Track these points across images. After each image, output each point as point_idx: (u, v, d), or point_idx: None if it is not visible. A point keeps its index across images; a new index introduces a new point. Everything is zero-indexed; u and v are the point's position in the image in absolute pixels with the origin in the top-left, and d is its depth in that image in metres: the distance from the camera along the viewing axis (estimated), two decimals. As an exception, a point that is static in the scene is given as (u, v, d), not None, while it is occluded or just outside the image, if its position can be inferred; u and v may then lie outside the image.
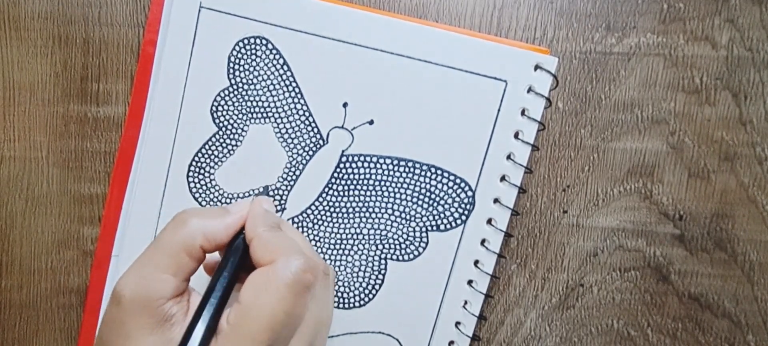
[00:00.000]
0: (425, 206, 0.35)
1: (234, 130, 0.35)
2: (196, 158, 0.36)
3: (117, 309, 0.25)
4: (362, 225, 0.35)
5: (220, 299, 0.26)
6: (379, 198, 0.35)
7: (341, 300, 0.36)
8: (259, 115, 0.35)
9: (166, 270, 0.26)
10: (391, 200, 0.35)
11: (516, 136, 0.34)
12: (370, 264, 0.36)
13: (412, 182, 0.35)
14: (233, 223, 0.28)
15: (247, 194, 0.36)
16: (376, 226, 0.35)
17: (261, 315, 0.24)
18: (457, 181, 0.35)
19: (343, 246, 0.36)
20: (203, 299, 0.26)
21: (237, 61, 0.35)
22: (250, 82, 0.35)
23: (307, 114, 0.35)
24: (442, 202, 0.35)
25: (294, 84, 0.35)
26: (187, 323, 0.25)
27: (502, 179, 0.35)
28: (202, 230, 0.27)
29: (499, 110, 0.34)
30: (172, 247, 0.27)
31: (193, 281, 0.28)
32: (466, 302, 0.36)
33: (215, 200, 0.36)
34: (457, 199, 0.35)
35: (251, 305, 0.25)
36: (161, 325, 0.25)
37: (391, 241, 0.35)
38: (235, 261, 0.27)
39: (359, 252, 0.36)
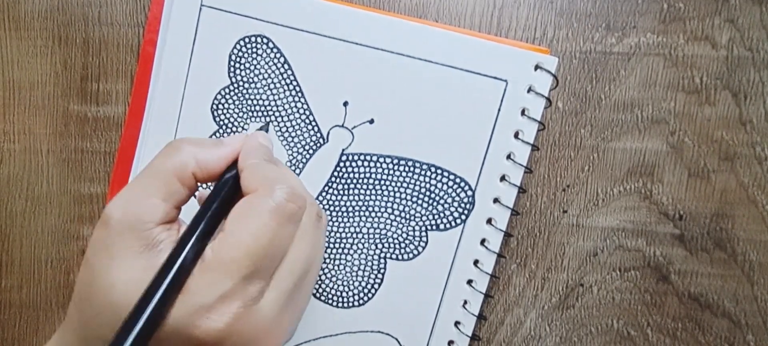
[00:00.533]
0: (425, 205, 0.35)
1: (234, 129, 0.35)
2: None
3: (104, 231, 0.25)
4: (362, 224, 0.35)
5: (207, 227, 0.25)
6: (378, 197, 0.35)
7: (340, 299, 0.36)
8: (260, 114, 0.35)
9: (156, 195, 0.26)
10: (391, 199, 0.35)
11: (516, 135, 0.34)
12: (369, 263, 0.36)
13: (412, 181, 0.35)
14: (227, 154, 0.28)
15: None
16: (375, 225, 0.35)
17: (242, 241, 0.24)
18: (457, 180, 0.35)
19: (342, 245, 0.36)
20: (189, 226, 0.25)
21: (238, 59, 0.35)
22: (250, 80, 0.35)
23: (307, 113, 0.35)
24: (441, 201, 0.35)
25: (294, 83, 0.35)
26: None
27: (502, 178, 0.35)
28: (195, 156, 0.27)
29: (499, 110, 0.34)
30: (164, 172, 0.26)
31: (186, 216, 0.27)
32: (465, 302, 0.36)
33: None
34: (457, 198, 0.35)
35: (233, 232, 0.24)
36: (149, 249, 0.25)
37: (390, 240, 0.35)
38: (226, 191, 0.27)
39: (359, 251, 0.36)
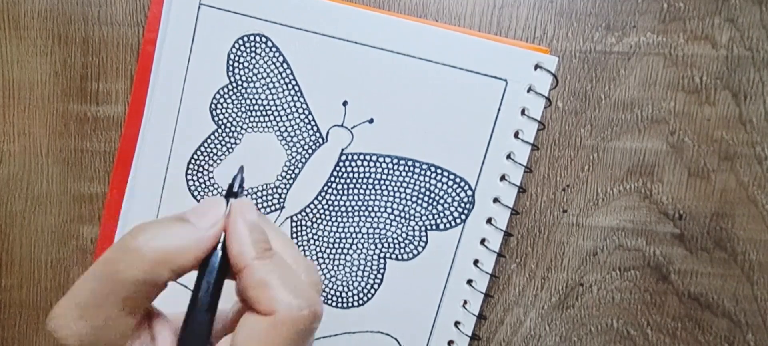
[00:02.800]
0: (425, 205, 0.35)
1: (233, 128, 0.35)
2: (195, 156, 0.36)
3: None
4: (361, 224, 0.35)
5: (204, 329, 0.23)
6: (378, 197, 0.35)
7: (340, 300, 0.36)
8: (259, 113, 0.35)
9: (122, 311, 0.22)
10: (391, 198, 0.35)
11: (516, 135, 0.34)
12: (369, 263, 0.36)
13: (412, 180, 0.35)
14: (207, 241, 0.23)
15: (246, 193, 0.36)
16: (375, 225, 0.35)
17: None
18: (457, 180, 0.35)
19: (342, 245, 0.36)
20: (184, 336, 0.22)
21: (236, 58, 0.35)
22: (249, 80, 0.35)
23: (306, 112, 0.35)
24: (441, 201, 0.35)
25: (293, 82, 0.35)
26: None
27: (502, 178, 0.34)
28: (166, 259, 0.21)
29: (499, 109, 0.34)
30: (128, 286, 0.21)
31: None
32: (465, 302, 0.36)
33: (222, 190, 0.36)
34: (457, 198, 0.35)
35: None
36: None
37: (390, 240, 0.35)
38: (216, 282, 0.23)
39: (358, 251, 0.36)
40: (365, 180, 0.35)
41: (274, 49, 0.34)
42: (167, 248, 0.22)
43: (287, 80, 0.35)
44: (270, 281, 0.22)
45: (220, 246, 0.23)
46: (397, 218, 0.35)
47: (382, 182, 0.35)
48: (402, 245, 0.35)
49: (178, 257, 0.22)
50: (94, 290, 0.21)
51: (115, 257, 0.21)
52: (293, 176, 0.35)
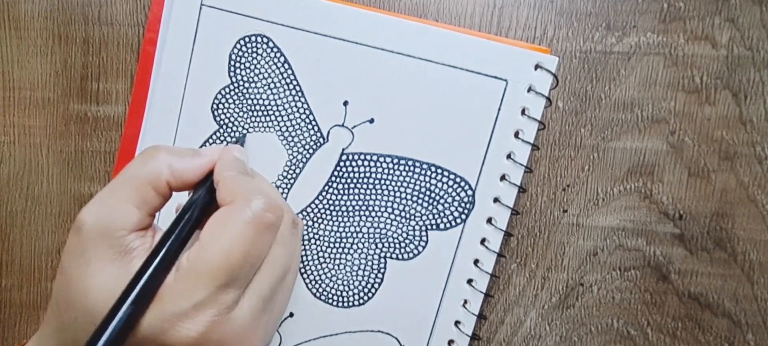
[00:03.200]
0: (425, 204, 0.35)
1: (234, 129, 0.35)
2: (197, 157, 0.36)
3: (77, 237, 0.25)
4: (362, 224, 0.35)
5: (180, 237, 0.25)
6: (379, 197, 0.35)
7: (340, 299, 0.36)
8: (260, 114, 0.35)
9: (130, 202, 0.26)
10: (391, 198, 0.35)
11: (516, 135, 0.34)
12: (369, 263, 0.36)
13: (412, 180, 0.35)
14: (202, 164, 0.28)
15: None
16: (375, 224, 0.35)
17: (218, 252, 0.24)
18: (457, 180, 0.35)
19: (342, 245, 0.36)
20: (163, 236, 0.25)
21: (238, 59, 0.35)
22: (250, 80, 0.35)
23: (307, 112, 0.35)
24: (442, 201, 0.35)
25: (295, 82, 0.35)
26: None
27: (502, 178, 0.35)
28: (170, 166, 0.27)
29: (499, 109, 0.34)
30: (138, 179, 0.26)
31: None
32: (465, 301, 0.36)
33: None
34: (457, 198, 0.35)
35: (210, 243, 0.24)
36: (122, 256, 0.25)
37: (390, 240, 0.35)
38: (200, 203, 0.27)
39: (359, 251, 0.36)
40: (366, 180, 0.35)
41: (275, 50, 0.34)
42: (172, 157, 0.27)
43: (288, 80, 0.35)
44: (238, 184, 0.27)
45: (210, 180, 0.28)
46: (398, 218, 0.35)
47: (382, 181, 0.35)
48: (402, 244, 0.35)
49: (178, 164, 0.27)
50: (113, 182, 0.27)
51: (134, 160, 0.27)
52: (294, 175, 0.35)
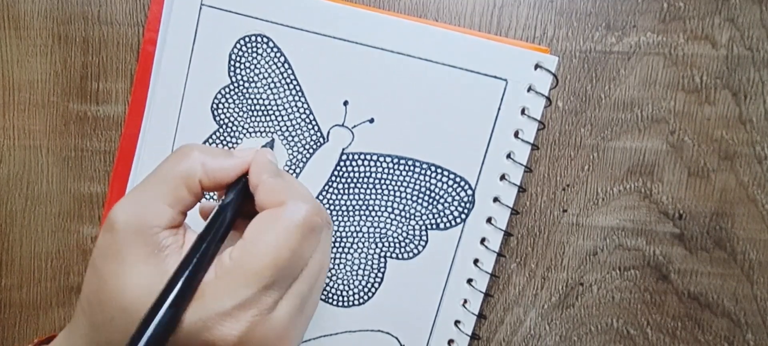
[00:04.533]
0: (425, 204, 0.35)
1: (234, 128, 0.35)
2: (197, 157, 0.36)
3: (110, 235, 0.25)
4: (362, 223, 0.35)
5: (218, 236, 0.25)
6: (379, 196, 0.35)
7: (341, 298, 0.36)
8: (260, 113, 0.35)
9: (163, 200, 0.26)
10: (391, 198, 0.35)
11: (516, 135, 0.34)
12: (369, 262, 0.36)
13: (412, 180, 0.35)
14: (236, 165, 0.28)
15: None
16: (375, 224, 0.35)
17: (266, 251, 0.24)
18: (457, 179, 0.35)
19: (342, 244, 0.36)
20: (200, 234, 0.25)
21: (238, 59, 0.35)
22: (250, 80, 0.35)
23: (307, 112, 0.35)
24: (442, 200, 0.35)
25: (295, 82, 0.35)
26: (182, 256, 0.25)
27: (502, 177, 0.35)
28: (204, 165, 0.27)
29: (499, 109, 0.34)
30: (172, 177, 0.26)
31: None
32: (465, 301, 0.36)
33: (214, 198, 0.36)
34: (457, 197, 0.35)
35: (256, 242, 0.24)
36: (156, 254, 0.25)
37: (390, 239, 0.36)
38: (236, 204, 0.27)
39: (359, 250, 0.36)
40: (366, 180, 0.35)
41: (275, 50, 0.34)
42: (206, 156, 0.27)
43: (288, 80, 0.35)
44: (279, 187, 0.27)
45: (245, 181, 0.28)
46: (398, 218, 0.35)
47: (382, 181, 0.35)
48: (402, 244, 0.35)
49: (212, 165, 0.27)
50: (146, 179, 0.27)
51: (168, 158, 0.27)
52: (294, 175, 0.35)
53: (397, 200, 0.35)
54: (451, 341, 0.36)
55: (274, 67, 0.35)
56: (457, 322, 0.36)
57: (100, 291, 0.25)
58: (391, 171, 0.35)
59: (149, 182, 0.27)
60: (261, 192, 0.27)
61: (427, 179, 0.35)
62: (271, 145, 0.35)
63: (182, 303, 0.23)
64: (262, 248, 0.24)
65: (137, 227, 0.25)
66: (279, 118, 0.35)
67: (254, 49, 0.35)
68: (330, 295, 0.36)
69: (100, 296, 0.25)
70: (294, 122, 0.35)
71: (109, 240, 0.25)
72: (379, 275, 0.36)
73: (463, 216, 0.35)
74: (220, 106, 0.35)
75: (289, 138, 0.35)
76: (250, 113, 0.35)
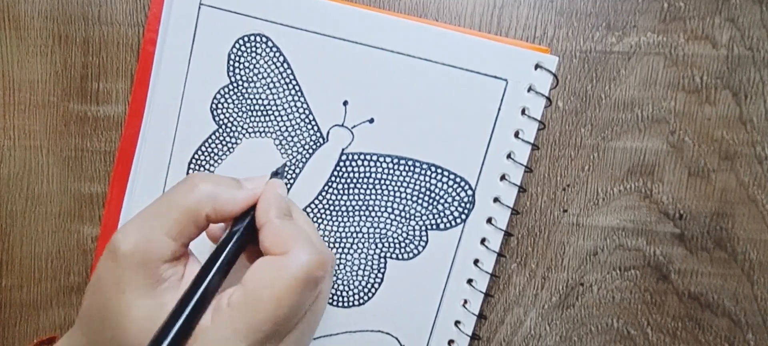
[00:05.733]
0: (425, 204, 0.35)
1: (234, 128, 0.35)
2: (196, 156, 0.36)
3: (113, 264, 0.25)
4: (362, 224, 0.35)
5: (219, 273, 0.25)
6: (379, 197, 0.35)
7: (340, 299, 0.36)
8: (259, 113, 0.35)
9: (168, 232, 0.25)
10: (391, 198, 0.35)
11: (516, 135, 0.34)
12: (369, 263, 0.36)
13: (412, 180, 0.35)
14: (245, 199, 0.27)
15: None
16: (375, 224, 0.35)
17: (266, 305, 0.24)
18: (457, 180, 0.35)
19: (342, 245, 0.36)
20: (201, 270, 0.25)
21: (237, 58, 0.35)
22: (250, 79, 0.35)
23: (307, 112, 0.35)
24: (442, 201, 0.35)
25: (294, 82, 0.35)
26: (181, 291, 0.25)
27: (502, 178, 0.35)
28: (213, 198, 0.26)
29: (499, 109, 0.34)
30: (179, 209, 0.26)
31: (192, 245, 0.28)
32: (465, 301, 0.36)
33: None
34: (457, 198, 0.35)
35: (257, 293, 0.24)
36: (155, 287, 0.25)
37: (390, 239, 0.35)
38: (241, 238, 0.27)
39: (359, 251, 0.36)
40: (366, 180, 0.35)
41: (274, 50, 0.34)
42: (215, 189, 0.27)
43: (288, 80, 0.35)
44: (285, 232, 0.26)
45: (252, 216, 0.27)
46: (398, 218, 0.35)
47: (382, 181, 0.35)
48: (402, 244, 0.35)
49: (220, 198, 0.26)
50: (152, 205, 0.26)
51: (175, 187, 0.27)
52: (294, 175, 0.35)
53: (397, 200, 0.35)
54: (451, 342, 0.36)
55: (273, 67, 0.35)
56: (457, 322, 0.36)
57: (100, 313, 0.25)
58: (391, 171, 0.35)
59: (155, 211, 0.26)
60: (266, 234, 0.26)
61: (427, 179, 0.35)
62: (281, 173, 0.34)
63: (179, 343, 0.23)
64: (263, 300, 0.24)
65: (140, 259, 0.25)
66: (278, 118, 0.35)
67: (253, 49, 0.35)
68: (330, 295, 0.36)
69: (100, 317, 0.25)
70: (293, 122, 0.35)
71: (111, 266, 0.25)
72: (379, 275, 0.36)
73: (463, 216, 0.35)
74: (220, 106, 0.35)
75: (289, 138, 0.35)
76: (250, 113, 0.35)
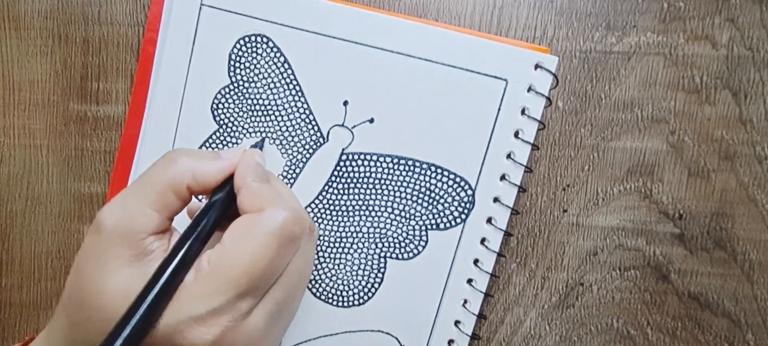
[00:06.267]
0: (425, 204, 0.35)
1: (234, 128, 0.35)
2: (196, 157, 0.36)
3: (96, 238, 0.25)
4: (362, 223, 0.35)
5: (200, 239, 0.26)
6: (379, 196, 0.35)
7: (341, 299, 0.36)
8: (260, 113, 0.35)
9: (151, 205, 0.26)
10: (391, 198, 0.35)
11: (516, 135, 0.34)
12: (369, 263, 0.36)
13: (412, 180, 0.35)
14: (223, 168, 0.28)
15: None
16: (375, 224, 0.35)
17: (242, 260, 0.24)
18: (457, 179, 0.35)
19: (342, 244, 0.36)
20: (182, 236, 0.25)
21: (238, 59, 0.35)
22: (250, 80, 0.35)
23: (307, 112, 0.35)
24: (441, 200, 0.35)
25: (294, 82, 0.35)
26: None
27: (502, 177, 0.35)
28: (192, 170, 0.27)
29: (499, 109, 0.34)
30: (159, 183, 0.26)
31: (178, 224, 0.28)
32: (465, 301, 0.36)
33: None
34: (457, 197, 0.35)
35: (233, 249, 0.25)
36: (140, 259, 0.25)
37: (390, 239, 0.36)
38: (220, 205, 0.27)
39: (359, 250, 0.36)
40: (366, 180, 0.35)
41: (275, 50, 0.34)
42: (193, 161, 0.27)
43: (288, 80, 0.35)
44: (261, 193, 0.27)
45: (231, 184, 0.28)
46: (398, 218, 0.35)
47: (382, 181, 0.35)
48: (402, 244, 0.35)
49: (199, 169, 0.27)
50: (134, 183, 0.27)
51: (155, 163, 0.27)
52: (294, 175, 0.35)
53: (397, 200, 0.35)
54: (451, 341, 0.36)
55: (273, 67, 0.35)
56: (457, 322, 0.36)
57: (81, 290, 0.25)
58: (391, 171, 0.35)
59: (137, 187, 0.27)
60: (243, 196, 0.27)
61: (427, 179, 0.35)
62: (260, 145, 0.35)
63: (159, 306, 0.24)
64: (238, 256, 0.24)
65: (123, 231, 0.25)
66: (279, 119, 0.35)
67: (254, 49, 0.35)
68: (330, 295, 0.36)
69: (80, 295, 0.25)
70: (294, 122, 0.35)
71: (94, 242, 0.25)
72: (379, 275, 0.36)
73: (463, 216, 0.35)
74: (220, 106, 0.35)
75: (289, 138, 0.35)
76: (250, 113, 0.35)
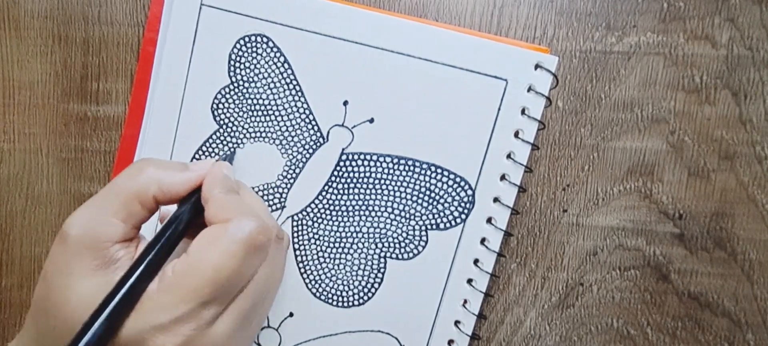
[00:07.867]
0: (425, 204, 0.35)
1: (234, 128, 0.35)
2: (196, 156, 0.36)
3: (62, 247, 0.25)
4: (362, 223, 0.35)
5: (165, 248, 0.26)
6: (378, 196, 0.35)
7: (340, 299, 0.36)
8: (260, 113, 0.35)
9: (116, 215, 0.26)
10: (391, 198, 0.35)
11: (516, 135, 0.34)
12: (369, 263, 0.36)
13: (412, 180, 0.35)
14: (190, 179, 0.28)
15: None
16: (375, 224, 0.35)
17: (206, 269, 0.24)
18: (457, 179, 0.35)
19: (342, 244, 0.36)
20: (147, 246, 0.26)
21: (238, 59, 0.35)
22: (250, 80, 0.35)
23: (307, 112, 0.35)
24: (441, 200, 0.35)
25: (294, 82, 0.35)
26: None
27: (502, 177, 0.35)
28: (158, 180, 0.27)
29: (499, 109, 0.34)
30: (125, 193, 0.27)
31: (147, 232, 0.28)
32: (465, 301, 0.36)
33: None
34: (457, 197, 0.35)
35: (198, 258, 0.25)
36: (106, 267, 0.25)
37: (390, 239, 0.35)
38: (187, 216, 0.28)
39: (359, 251, 0.36)
40: (366, 180, 0.35)
41: (275, 50, 0.34)
42: (160, 172, 0.28)
43: (288, 80, 0.35)
44: (228, 204, 0.27)
45: (198, 195, 0.28)
46: (398, 218, 0.35)
47: (382, 181, 0.35)
48: (402, 244, 0.35)
49: (166, 180, 0.27)
50: (100, 194, 0.27)
51: (122, 173, 0.28)
52: (294, 175, 0.35)
53: (397, 200, 0.35)
54: (451, 342, 0.36)
55: (273, 67, 0.35)
56: (457, 322, 0.36)
57: (47, 299, 0.25)
58: (391, 171, 0.35)
59: (102, 197, 0.27)
60: (210, 207, 0.27)
61: (427, 178, 0.35)
62: (230, 158, 0.35)
63: (119, 315, 0.24)
64: (203, 265, 0.25)
65: (88, 241, 0.25)
66: (279, 118, 0.35)
67: (254, 49, 0.35)
68: (330, 295, 0.36)
69: (46, 305, 0.25)
70: (294, 122, 0.35)
71: (60, 252, 0.25)
72: (379, 275, 0.36)
73: (463, 216, 0.35)
74: (220, 106, 0.35)
75: (289, 138, 0.35)
76: (250, 113, 0.35)
